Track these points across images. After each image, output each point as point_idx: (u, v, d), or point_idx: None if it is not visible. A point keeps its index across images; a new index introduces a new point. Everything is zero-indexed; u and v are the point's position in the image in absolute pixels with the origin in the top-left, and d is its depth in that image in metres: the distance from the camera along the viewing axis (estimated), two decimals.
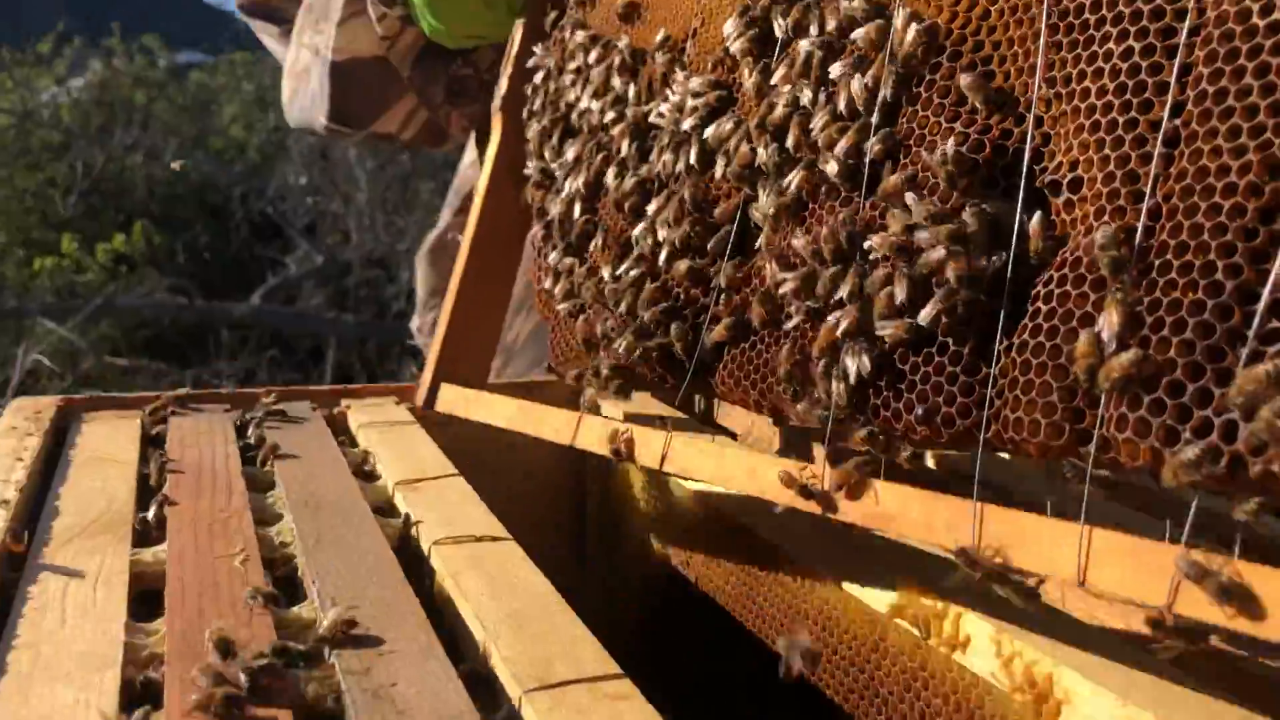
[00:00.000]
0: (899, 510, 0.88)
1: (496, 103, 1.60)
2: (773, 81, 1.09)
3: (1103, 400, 0.75)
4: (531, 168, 1.50)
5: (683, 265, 1.15)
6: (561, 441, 1.27)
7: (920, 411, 0.88)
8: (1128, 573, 0.71)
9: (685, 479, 1.13)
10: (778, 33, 1.10)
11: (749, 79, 1.12)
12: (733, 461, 1.04)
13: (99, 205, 8.15)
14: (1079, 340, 0.76)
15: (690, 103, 1.17)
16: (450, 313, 1.56)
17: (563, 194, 1.38)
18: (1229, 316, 0.69)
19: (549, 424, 1.30)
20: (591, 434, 1.22)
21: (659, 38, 1.29)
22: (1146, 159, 0.77)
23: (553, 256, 1.40)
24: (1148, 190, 0.76)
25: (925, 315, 0.87)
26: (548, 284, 1.42)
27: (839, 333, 0.93)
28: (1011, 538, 0.79)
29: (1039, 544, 0.77)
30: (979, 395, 0.84)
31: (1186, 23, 0.76)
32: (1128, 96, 0.79)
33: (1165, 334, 0.72)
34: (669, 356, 1.17)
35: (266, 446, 1.38)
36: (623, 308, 1.22)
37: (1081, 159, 0.82)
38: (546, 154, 1.47)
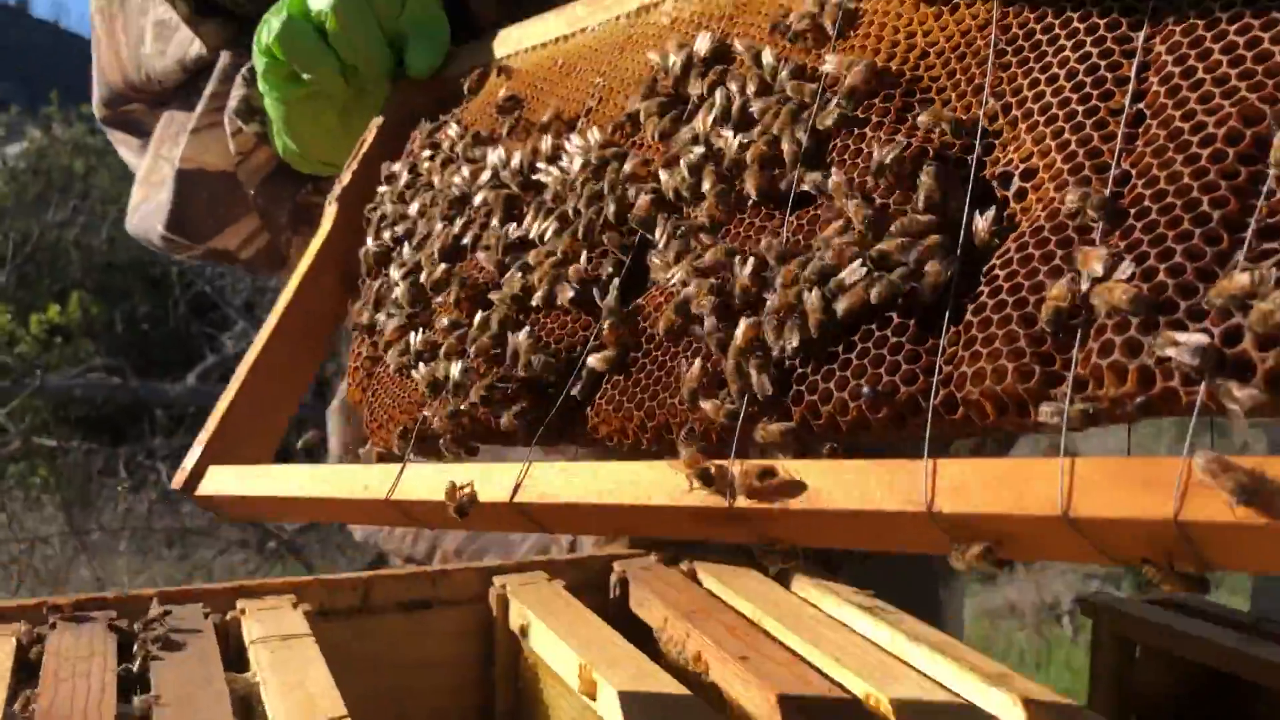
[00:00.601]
0: (827, 482, 0.78)
1: (334, 194, 1.51)
2: (688, 127, 1.08)
3: (1079, 337, 0.71)
4: (369, 244, 1.40)
5: (566, 295, 1.07)
6: (374, 497, 1.09)
7: (856, 385, 0.81)
8: (1121, 492, 0.64)
9: (548, 511, 0.98)
10: (693, 92, 1.10)
11: (655, 127, 1.11)
12: (609, 474, 0.92)
13: (34, 275, 7.36)
14: (1052, 287, 0.73)
15: (594, 155, 1.14)
16: (234, 396, 1.37)
17: (416, 255, 1.29)
18: (1217, 241, 0.69)
19: (359, 481, 1.12)
20: (421, 485, 1.06)
21: (547, 115, 1.27)
22: (1109, 138, 0.79)
23: (392, 323, 1.27)
24: (1114, 161, 0.77)
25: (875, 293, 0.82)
26: (378, 352, 1.28)
27: (768, 314, 0.87)
28: (976, 483, 0.71)
29: (1011, 484, 0.69)
30: (926, 362, 0.79)
31: (1142, 33, 0.81)
32: (1086, 90, 0.82)
33: (1151, 263, 0.70)
34: (536, 389, 1.05)
35: (145, 699, 1.14)
36: (475, 350, 1.11)
37: (1036, 150, 0.83)
38: (395, 228, 1.38)
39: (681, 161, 1.03)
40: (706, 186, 1.01)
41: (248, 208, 1.81)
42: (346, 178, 1.52)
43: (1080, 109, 0.81)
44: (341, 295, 1.49)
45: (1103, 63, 0.82)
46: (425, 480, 1.06)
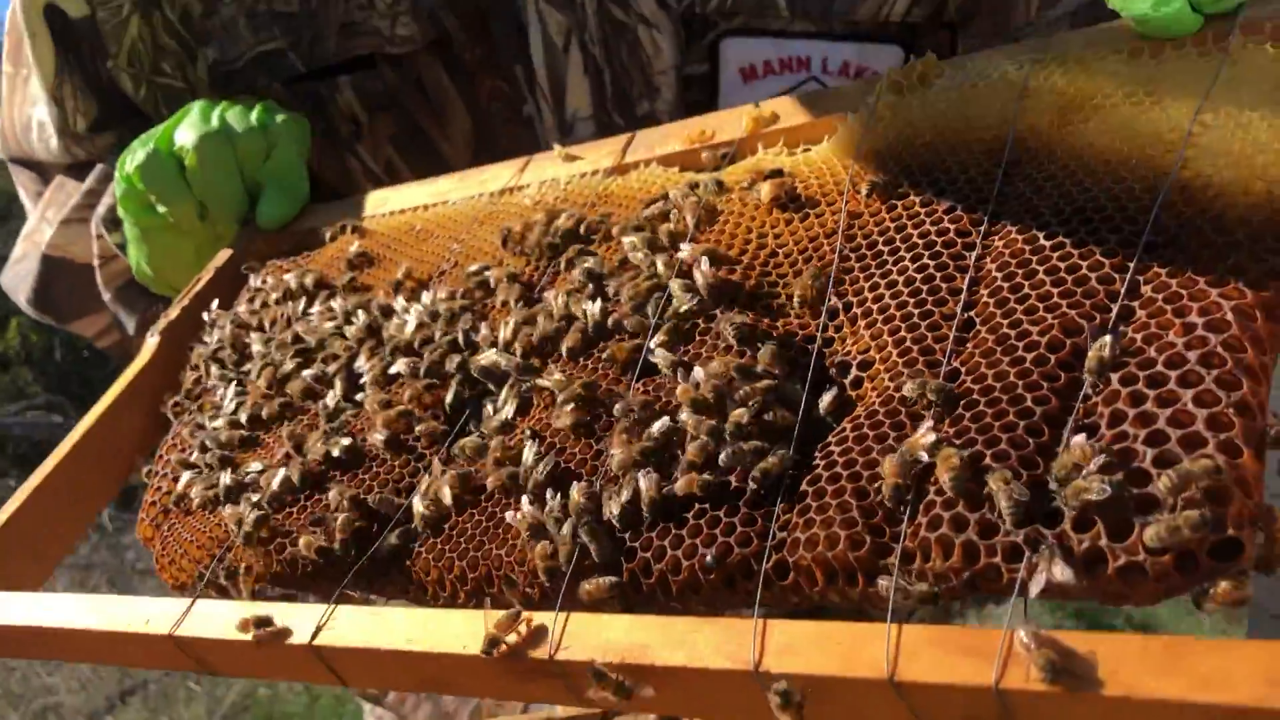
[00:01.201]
0: (654, 637, 0.77)
1: (158, 325, 1.46)
2: (546, 296, 1.10)
3: (909, 512, 0.74)
4: (199, 389, 1.34)
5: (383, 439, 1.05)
6: (155, 632, 1.01)
7: (690, 545, 0.81)
8: (947, 658, 0.66)
9: (349, 659, 0.92)
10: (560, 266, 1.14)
11: (507, 293, 1.13)
12: (423, 620, 0.88)
13: None
14: (885, 463, 0.77)
15: (443, 307, 1.15)
16: (15, 511, 1.26)
17: (240, 394, 1.24)
18: (1039, 434, 0.74)
19: (139, 614, 1.03)
20: (210, 621, 0.99)
21: (400, 272, 1.28)
22: (941, 339, 0.85)
23: (204, 454, 1.21)
24: (944, 359, 0.83)
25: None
26: (182, 488, 1.20)
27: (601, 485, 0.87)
28: (803, 643, 0.71)
29: (839, 644, 0.70)
30: (761, 526, 0.80)
31: (975, 250, 0.89)
32: (922, 296, 0.88)
33: (978, 449, 0.74)
34: (360, 537, 1.01)
35: None
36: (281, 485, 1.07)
37: (873, 344, 0.88)
38: (221, 366, 1.33)
39: (540, 322, 1.05)
40: (566, 347, 1.03)
41: (104, 304, 1.76)
42: (174, 312, 1.47)
43: (916, 312, 0.87)
44: (146, 432, 1.42)
45: (937, 274, 0.89)
46: (218, 616, 0.99)
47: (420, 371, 1.10)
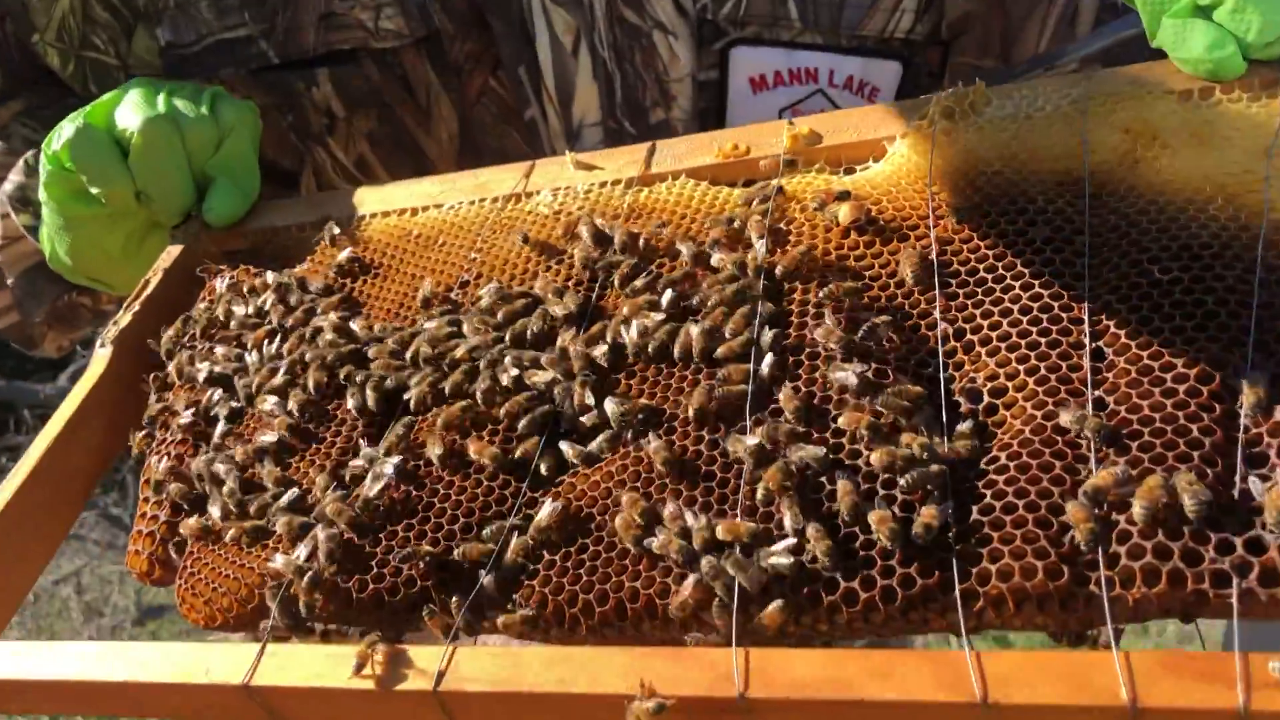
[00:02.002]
0: (850, 672, 0.77)
1: (109, 334, 1.32)
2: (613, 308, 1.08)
3: (1104, 541, 0.77)
4: (183, 409, 1.22)
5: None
6: (223, 682, 0.92)
7: (866, 575, 0.82)
8: (1181, 682, 0.70)
9: (479, 705, 0.86)
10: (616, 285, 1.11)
11: (563, 305, 1.10)
12: (583, 660, 0.84)
13: None
14: (1071, 510, 0.79)
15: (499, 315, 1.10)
16: None
17: (265, 408, 1.15)
18: (1214, 464, 0.79)
19: (196, 664, 0.94)
20: (300, 667, 0.91)
21: (425, 289, 1.21)
22: (1075, 369, 0.89)
23: (226, 486, 1.11)
24: (1086, 388, 0.87)
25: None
26: (210, 520, 1.10)
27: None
28: (1022, 673, 0.73)
29: (1063, 673, 0.72)
30: (939, 558, 0.82)
31: (1085, 279, 0.94)
32: (1044, 325, 0.92)
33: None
34: (447, 569, 0.96)
35: None
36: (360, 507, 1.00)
37: (1002, 371, 0.91)
38: (218, 382, 1.22)
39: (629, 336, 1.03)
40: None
41: (5, 284, 1.57)
42: (125, 319, 1.34)
43: (1043, 341, 0.91)
44: (106, 450, 1.29)
45: (1054, 304, 0.93)
46: (299, 659, 0.92)
47: (499, 400, 1.05)
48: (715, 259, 1.07)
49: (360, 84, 1.51)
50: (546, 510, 0.94)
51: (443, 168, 1.60)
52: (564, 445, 0.99)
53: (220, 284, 1.35)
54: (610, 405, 0.99)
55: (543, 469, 0.99)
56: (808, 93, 1.52)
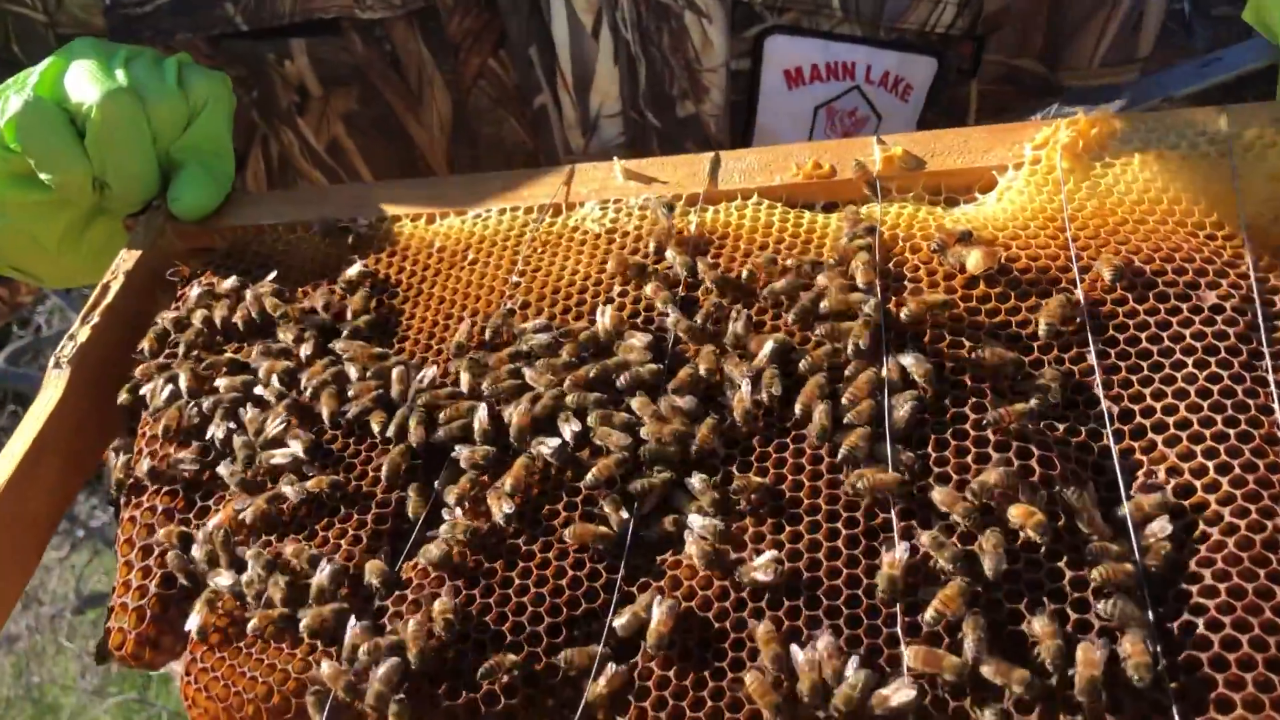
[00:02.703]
0: None
1: (66, 353, 1.11)
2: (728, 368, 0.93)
3: None
4: (186, 462, 1.02)
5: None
6: None
7: None
8: None
9: None
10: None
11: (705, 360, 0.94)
12: None
13: None
14: None
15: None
16: None
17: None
18: None
19: None
20: None
21: (461, 332, 1.04)
22: (1274, 468, 0.78)
23: (253, 568, 0.93)
24: None
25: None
26: (235, 607, 0.92)
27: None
28: None
29: None
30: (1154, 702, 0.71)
31: (1265, 359, 0.83)
32: (1229, 413, 0.81)
33: None
34: (536, 682, 0.81)
35: None
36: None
37: (1186, 466, 0.80)
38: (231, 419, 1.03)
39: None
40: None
41: None
42: (84, 334, 1.13)
43: (1231, 433, 0.80)
44: (66, 489, 1.09)
45: (1237, 387, 0.82)
46: None
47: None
48: (822, 305, 0.94)
49: (341, 58, 1.32)
50: (660, 613, 0.79)
51: (432, 157, 1.41)
52: (694, 524, 0.84)
53: (193, 291, 1.15)
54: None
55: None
56: (844, 89, 1.38)
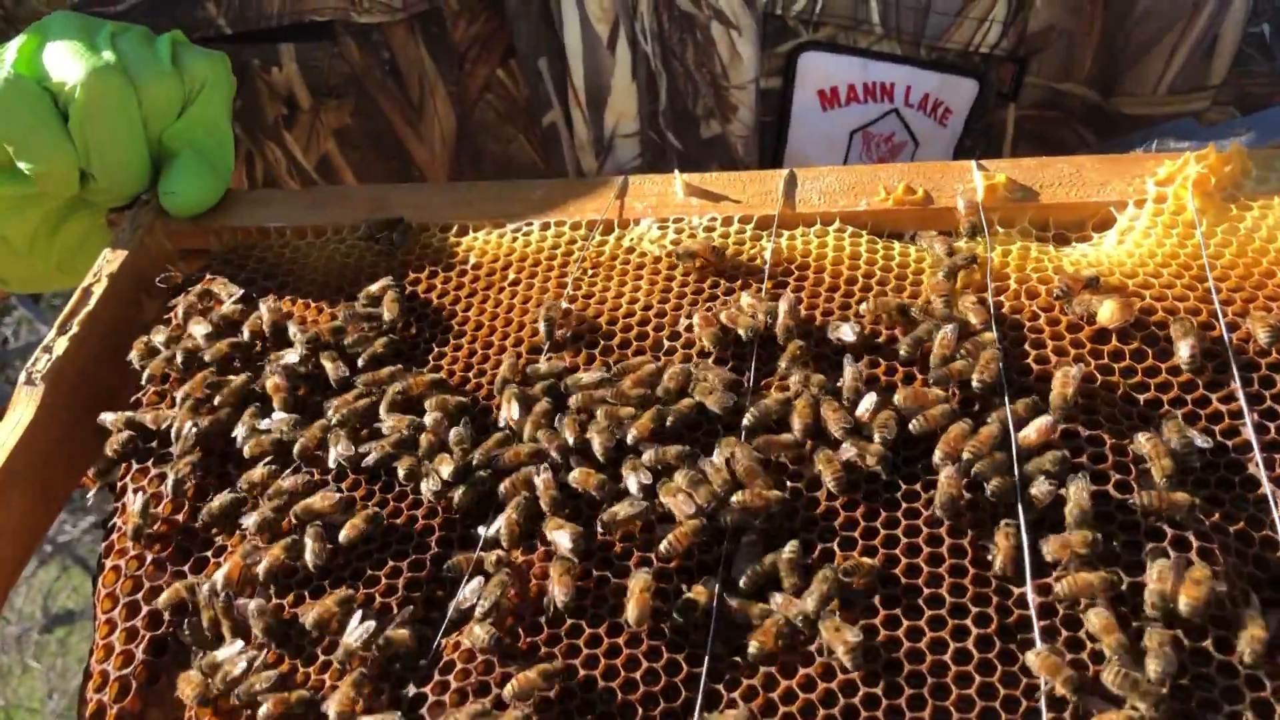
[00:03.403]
0: None
1: (39, 368, 0.96)
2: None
3: None
4: (210, 510, 0.88)
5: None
6: None
7: None
8: None
9: None
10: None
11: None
12: None
13: None
14: None
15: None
16: None
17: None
18: None
19: None
20: None
21: (504, 368, 0.90)
22: None
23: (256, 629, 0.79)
24: None
25: None
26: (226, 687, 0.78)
27: None
28: None
29: None
30: None
31: None
32: None
33: None
34: None
35: None
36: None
37: None
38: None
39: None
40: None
41: None
42: (60, 346, 0.99)
43: None
44: (35, 523, 0.95)
45: None
46: None
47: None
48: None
49: (334, 66, 1.18)
50: None
51: (432, 176, 1.28)
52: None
53: (180, 306, 1.00)
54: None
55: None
56: (881, 112, 1.27)
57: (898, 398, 0.79)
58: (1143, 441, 0.74)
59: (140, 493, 0.88)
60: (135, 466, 0.92)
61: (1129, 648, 0.65)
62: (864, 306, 0.87)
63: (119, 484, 0.92)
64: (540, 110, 1.19)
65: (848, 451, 0.77)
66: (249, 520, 0.83)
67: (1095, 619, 0.67)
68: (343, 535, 0.81)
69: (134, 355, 0.98)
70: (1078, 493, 0.71)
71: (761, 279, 0.91)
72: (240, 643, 0.78)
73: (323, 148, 1.24)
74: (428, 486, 0.81)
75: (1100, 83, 1.28)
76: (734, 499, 0.75)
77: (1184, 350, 0.77)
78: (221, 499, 0.85)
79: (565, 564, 0.75)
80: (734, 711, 0.68)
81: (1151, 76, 1.24)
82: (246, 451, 0.87)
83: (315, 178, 1.26)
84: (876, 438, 0.77)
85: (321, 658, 0.77)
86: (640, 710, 0.70)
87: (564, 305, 0.92)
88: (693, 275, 0.94)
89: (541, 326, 0.89)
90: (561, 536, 0.76)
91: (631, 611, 0.72)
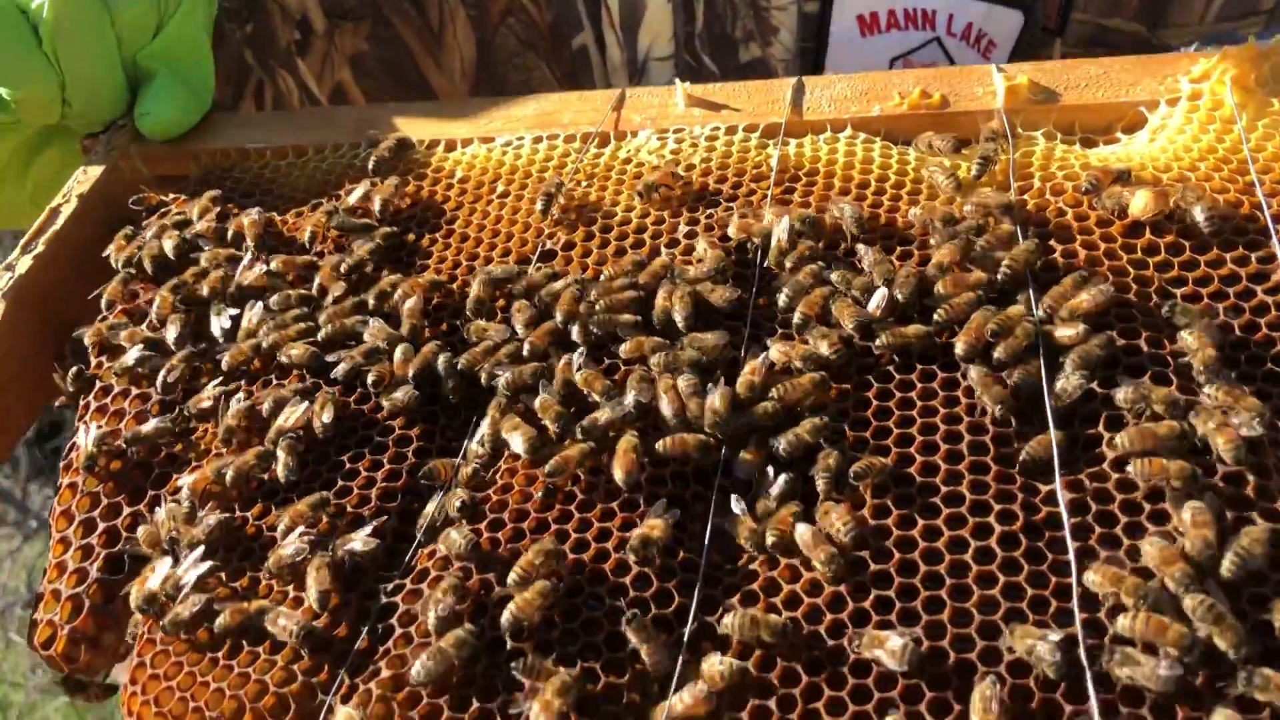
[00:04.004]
0: None
1: (2, 285, 0.91)
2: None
3: None
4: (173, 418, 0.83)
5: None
6: None
7: None
8: None
9: None
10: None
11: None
12: None
13: None
14: None
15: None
16: None
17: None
18: None
19: None
20: None
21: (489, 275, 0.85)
22: None
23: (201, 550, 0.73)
24: None
25: None
26: (184, 613, 0.72)
27: None
28: None
29: None
30: None
31: None
32: None
33: None
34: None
35: None
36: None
37: None
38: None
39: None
40: None
41: None
42: (24, 263, 0.93)
43: None
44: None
45: None
46: None
47: None
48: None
49: None
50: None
51: None
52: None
53: (159, 230, 0.95)
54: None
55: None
56: (922, 40, 1.21)
57: (938, 287, 0.73)
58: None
59: (97, 418, 0.83)
60: (96, 387, 0.86)
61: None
62: (913, 213, 0.80)
63: (81, 403, 0.87)
64: (569, 33, 1.14)
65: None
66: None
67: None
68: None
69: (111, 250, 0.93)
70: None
71: (767, 187, 0.85)
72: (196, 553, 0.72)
73: (337, 75, 1.19)
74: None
75: (1147, 14, 1.23)
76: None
77: (1200, 214, 0.71)
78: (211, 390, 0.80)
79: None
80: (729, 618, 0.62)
81: (1194, 8, 1.19)
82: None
83: (325, 106, 1.21)
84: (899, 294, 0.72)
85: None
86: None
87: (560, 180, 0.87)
88: (693, 186, 0.88)
89: (539, 203, 0.84)
90: (515, 439, 0.70)
91: (618, 471, 0.66)
